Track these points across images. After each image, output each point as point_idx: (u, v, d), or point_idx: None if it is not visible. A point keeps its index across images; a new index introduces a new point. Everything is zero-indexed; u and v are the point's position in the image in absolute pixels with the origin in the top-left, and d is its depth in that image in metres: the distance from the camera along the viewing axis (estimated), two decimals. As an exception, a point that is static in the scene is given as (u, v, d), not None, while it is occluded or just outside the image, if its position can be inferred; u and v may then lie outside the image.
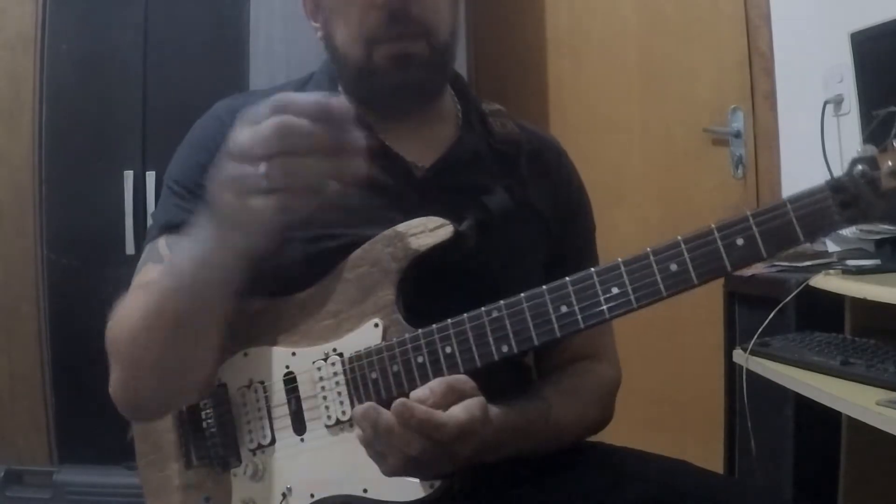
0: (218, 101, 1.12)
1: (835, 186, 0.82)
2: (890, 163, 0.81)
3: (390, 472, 0.88)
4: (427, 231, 0.97)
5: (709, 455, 2.07)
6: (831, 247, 1.87)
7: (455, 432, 0.84)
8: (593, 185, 1.20)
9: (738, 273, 1.93)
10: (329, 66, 1.12)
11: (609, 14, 2.77)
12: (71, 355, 2.56)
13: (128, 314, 0.96)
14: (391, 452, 0.86)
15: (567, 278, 0.89)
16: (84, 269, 2.56)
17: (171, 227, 1.02)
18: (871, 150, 0.82)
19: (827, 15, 2.24)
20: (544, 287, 0.89)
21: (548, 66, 2.86)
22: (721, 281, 2.05)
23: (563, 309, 0.88)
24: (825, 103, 2.12)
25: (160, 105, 2.52)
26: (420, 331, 0.93)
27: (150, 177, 2.52)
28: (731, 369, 2.00)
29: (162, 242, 1.02)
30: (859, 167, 0.81)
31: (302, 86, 1.12)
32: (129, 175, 2.52)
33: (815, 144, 2.00)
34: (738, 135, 2.54)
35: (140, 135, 2.54)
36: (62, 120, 2.59)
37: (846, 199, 0.81)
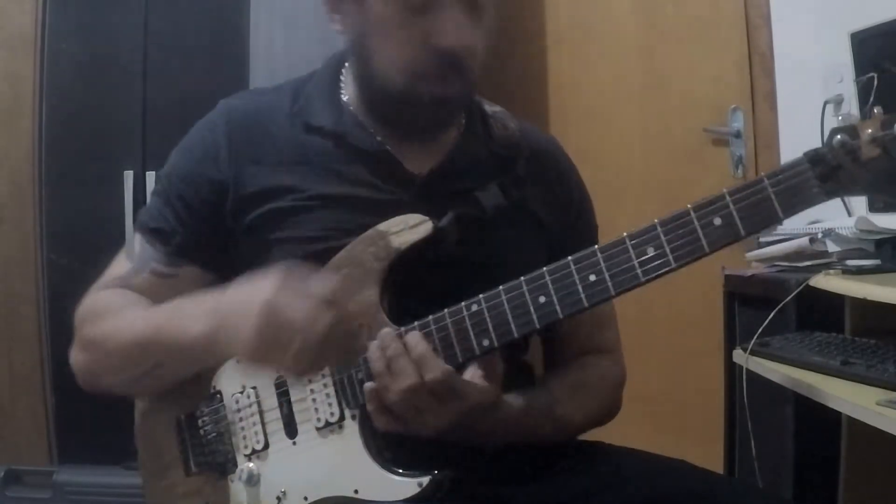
0: (221, 99, 1.12)
1: (813, 158, 0.79)
2: (870, 130, 0.76)
3: (388, 407, 0.90)
4: (407, 229, 0.97)
5: (709, 455, 2.07)
6: (831, 247, 1.86)
7: (446, 382, 0.88)
8: (593, 185, 1.20)
9: (738, 273, 1.94)
10: (331, 65, 1.12)
11: (609, 14, 2.76)
12: (71, 355, 2.56)
13: (118, 322, 1.05)
14: (391, 383, 0.88)
15: (544, 268, 0.89)
16: (84, 269, 2.54)
17: (150, 231, 1.07)
18: (852, 118, 0.78)
19: (827, 15, 2.24)
20: (522, 279, 0.90)
21: (548, 65, 2.86)
22: (721, 281, 2.05)
23: (542, 299, 0.88)
24: (825, 103, 2.12)
25: (160, 105, 2.52)
26: (402, 328, 0.93)
27: (150, 177, 2.51)
28: (731, 369, 1.99)
29: (139, 239, 1.09)
30: (838, 137, 0.78)
31: (303, 85, 1.12)
32: (129, 175, 2.52)
33: (815, 144, 2.00)
34: (738, 135, 2.53)
35: (140, 135, 2.53)
36: (62, 120, 2.58)
37: (825, 170, 0.79)
